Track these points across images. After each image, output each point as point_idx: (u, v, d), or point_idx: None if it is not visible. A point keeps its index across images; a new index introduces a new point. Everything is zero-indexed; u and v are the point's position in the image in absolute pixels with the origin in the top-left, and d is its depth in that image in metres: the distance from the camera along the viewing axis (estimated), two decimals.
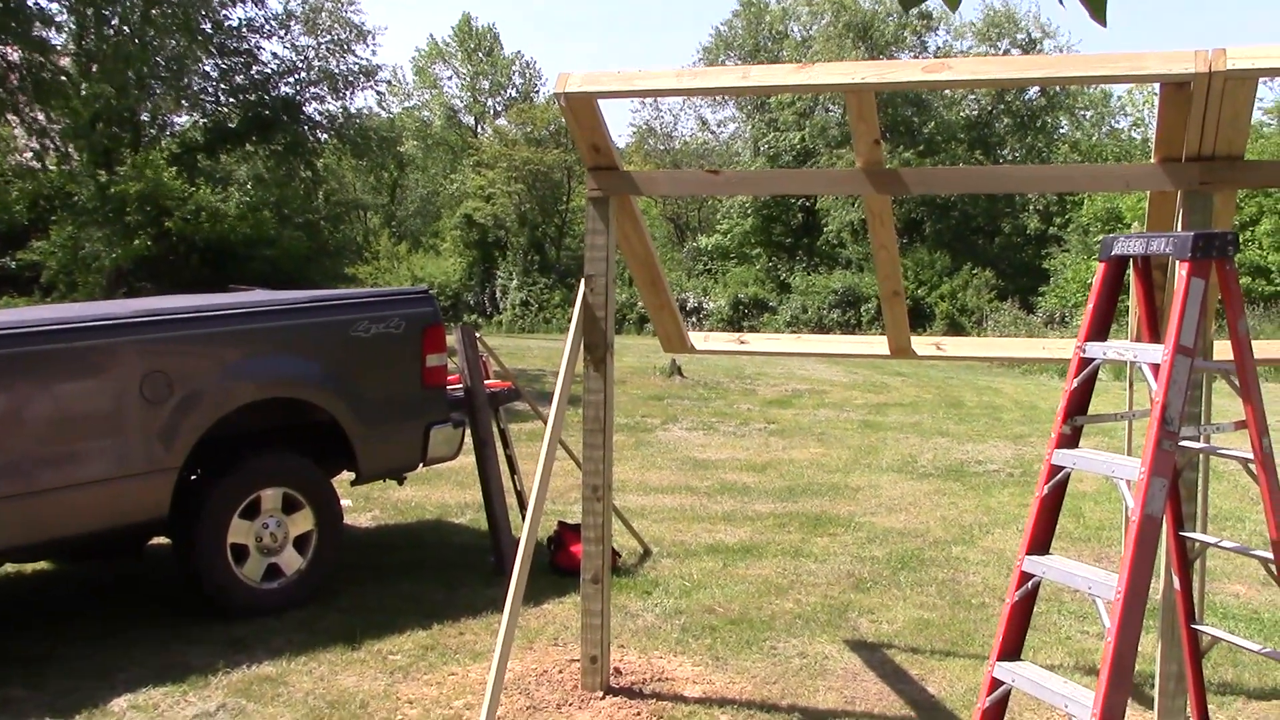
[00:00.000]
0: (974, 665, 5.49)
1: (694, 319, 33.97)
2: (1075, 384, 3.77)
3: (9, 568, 6.98)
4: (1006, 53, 37.95)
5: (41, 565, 7.22)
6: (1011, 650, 3.74)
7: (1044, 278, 32.40)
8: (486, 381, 7.37)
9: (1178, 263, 3.47)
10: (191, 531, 5.95)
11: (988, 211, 36.02)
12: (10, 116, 18.06)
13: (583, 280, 5.07)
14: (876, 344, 5.74)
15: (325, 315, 6.58)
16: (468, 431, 7.16)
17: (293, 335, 6.36)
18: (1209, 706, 4.21)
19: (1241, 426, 3.71)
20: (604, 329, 5.06)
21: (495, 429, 7.34)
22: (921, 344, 5.65)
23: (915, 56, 38.57)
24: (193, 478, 6.10)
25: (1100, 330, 3.80)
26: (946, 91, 35.93)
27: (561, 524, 7.23)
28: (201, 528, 5.95)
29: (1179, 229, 4.16)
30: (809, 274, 36.16)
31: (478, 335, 7.33)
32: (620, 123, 75.83)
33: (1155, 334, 4.08)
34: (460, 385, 7.22)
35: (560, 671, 5.36)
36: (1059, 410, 3.79)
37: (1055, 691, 3.46)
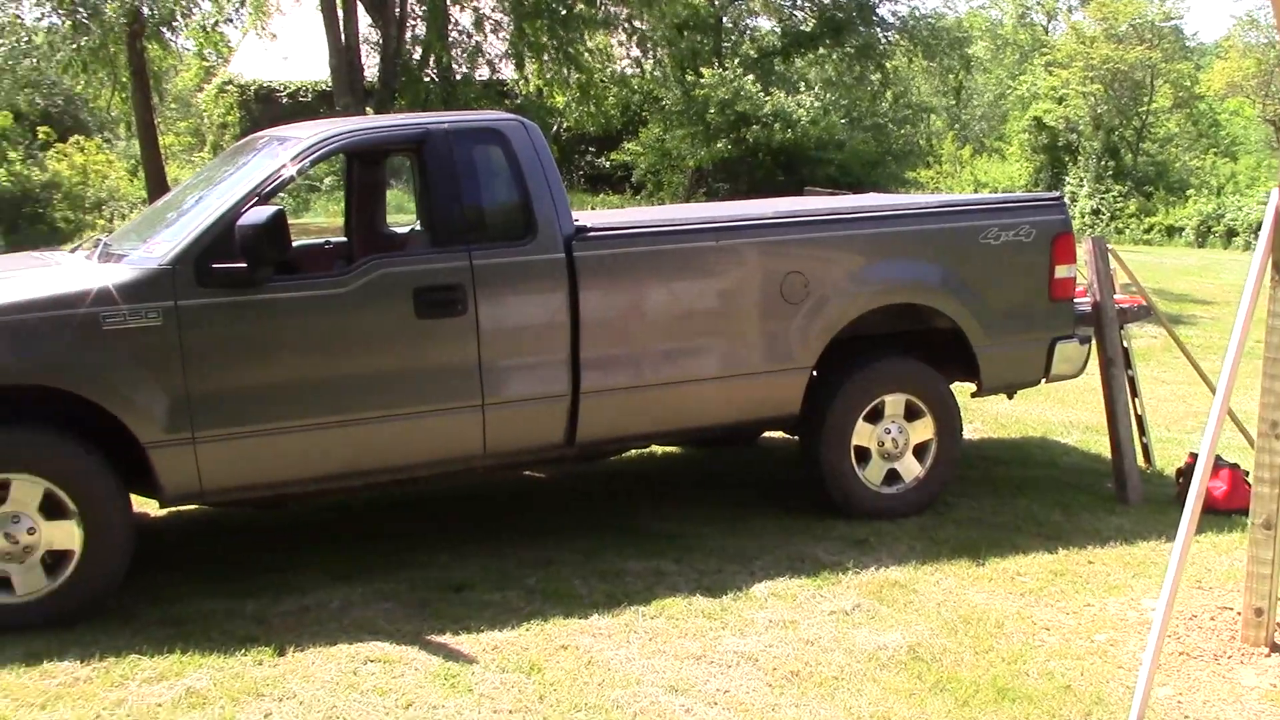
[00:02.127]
0: None
1: None
2: None
3: (654, 449, 7.51)
4: None
5: (672, 450, 7.72)
6: None
7: None
8: (1115, 297, 6.88)
9: None
10: (818, 431, 6.07)
11: None
12: (617, 28, 19.45)
13: (1275, 190, 4.48)
14: None
15: (956, 221, 6.41)
16: (1092, 349, 6.75)
17: (923, 240, 6.24)
18: None
19: None
20: None
21: (1121, 348, 6.86)
22: None
23: None
24: (818, 378, 6.19)
25: None
26: None
27: (1194, 455, 6.64)
28: (828, 428, 6.04)
29: None
30: None
31: (1110, 248, 6.84)
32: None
33: None
34: (1086, 299, 6.79)
35: (1211, 619, 4.91)
36: None
37: None
